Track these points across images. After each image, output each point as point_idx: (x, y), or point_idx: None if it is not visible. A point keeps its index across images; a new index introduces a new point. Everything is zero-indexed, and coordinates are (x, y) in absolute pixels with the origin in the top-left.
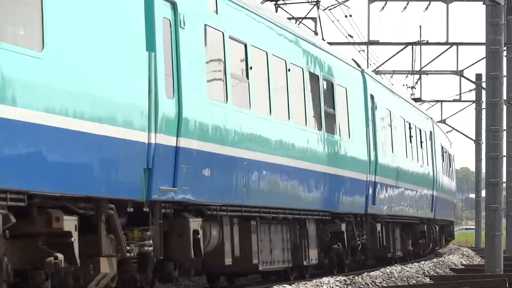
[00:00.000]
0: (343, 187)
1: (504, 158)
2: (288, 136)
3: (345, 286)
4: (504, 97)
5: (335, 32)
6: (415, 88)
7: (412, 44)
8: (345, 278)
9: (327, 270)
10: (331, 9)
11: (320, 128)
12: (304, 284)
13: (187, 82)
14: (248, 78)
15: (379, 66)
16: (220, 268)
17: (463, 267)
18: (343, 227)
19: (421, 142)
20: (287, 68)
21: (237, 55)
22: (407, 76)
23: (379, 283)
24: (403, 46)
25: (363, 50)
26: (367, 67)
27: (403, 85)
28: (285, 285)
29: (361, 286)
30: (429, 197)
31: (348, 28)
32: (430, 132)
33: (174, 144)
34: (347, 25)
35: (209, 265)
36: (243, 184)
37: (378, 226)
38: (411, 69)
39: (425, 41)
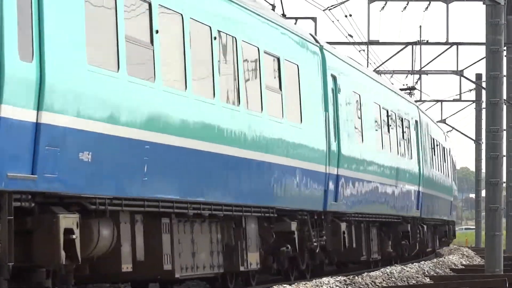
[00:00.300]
0: (293, 179)
1: (504, 158)
2: (213, 117)
3: (345, 286)
4: (504, 97)
5: (335, 32)
6: (415, 88)
7: (412, 44)
8: (345, 278)
9: (283, 276)
10: (331, 9)
11: (260, 109)
12: (304, 284)
13: (54, 42)
14: (152, 44)
15: (379, 66)
16: (116, 275)
17: (463, 267)
18: (293, 226)
19: (403, 132)
20: (213, 36)
21: (138, 15)
22: (407, 76)
23: (379, 283)
24: (403, 46)
25: (363, 50)
26: (367, 67)
27: (403, 84)
28: (285, 285)
29: (361, 286)
30: (414, 194)
31: (348, 28)
32: (416, 121)
33: (34, 120)
34: (347, 25)
35: (102, 272)
36: (144, 173)
37: (343, 225)
38: (411, 69)
39: (425, 41)
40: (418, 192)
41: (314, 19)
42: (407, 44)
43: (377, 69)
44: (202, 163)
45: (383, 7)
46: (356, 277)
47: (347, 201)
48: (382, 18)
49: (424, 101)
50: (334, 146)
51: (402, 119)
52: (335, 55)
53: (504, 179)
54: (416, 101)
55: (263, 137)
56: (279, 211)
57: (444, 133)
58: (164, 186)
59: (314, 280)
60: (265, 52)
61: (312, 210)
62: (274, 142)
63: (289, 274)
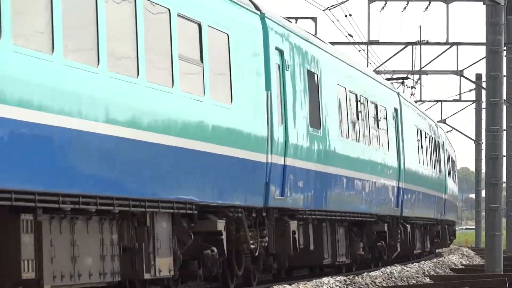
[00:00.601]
0: (219, 169)
1: (504, 158)
2: (96, 90)
3: (345, 286)
4: (504, 97)
5: (335, 32)
6: (415, 88)
7: (412, 44)
8: (345, 278)
9: (221, 283)
10: (331, 9)
11: (170, 84)
12: (304, 284)
13: None
14: None
15: (379, 66)
16: None
17: (463, 267)
18: (221, 225)
19: (377, 120)
20: None
21: None
22: (407, 76)
23: (379, 283)
24: (403, 46)
25: (363, 50)
26: (367, 66)
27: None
28: (285, 285)
29: (361, 286)
30: (392, 190)
31: (348, 28)
32: (395, 109)
33: None
34: (347, 25)
35: None
36: None
37: (293, 224)
38: (411, 69)
39: (425, 41)
40: (398, 188)
41: (314, 19)
42: (407, 44)
43: (377, 69)
44: (81, 146)
45: (383, 7)
46: (356, 277)
47: (299, 196)
48: (382, 18)
49: (424, 101)
50: (279, 132)
51: (376, 105)
52: (282, 26)
53: (504, 179)
54: (416, 101)
55: (174, 117)
56: (202, 207)
57: (436, 124)
58: (17, 174)
59: (314, 280)
60: (180, 15)
61: (249, 206)
62: (191, 124)
63: (228, 281)
